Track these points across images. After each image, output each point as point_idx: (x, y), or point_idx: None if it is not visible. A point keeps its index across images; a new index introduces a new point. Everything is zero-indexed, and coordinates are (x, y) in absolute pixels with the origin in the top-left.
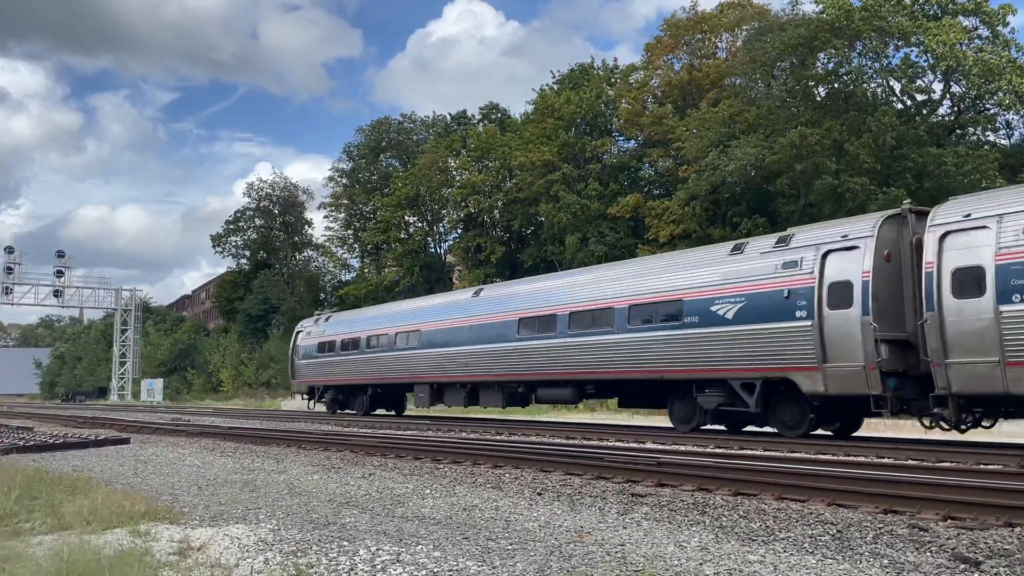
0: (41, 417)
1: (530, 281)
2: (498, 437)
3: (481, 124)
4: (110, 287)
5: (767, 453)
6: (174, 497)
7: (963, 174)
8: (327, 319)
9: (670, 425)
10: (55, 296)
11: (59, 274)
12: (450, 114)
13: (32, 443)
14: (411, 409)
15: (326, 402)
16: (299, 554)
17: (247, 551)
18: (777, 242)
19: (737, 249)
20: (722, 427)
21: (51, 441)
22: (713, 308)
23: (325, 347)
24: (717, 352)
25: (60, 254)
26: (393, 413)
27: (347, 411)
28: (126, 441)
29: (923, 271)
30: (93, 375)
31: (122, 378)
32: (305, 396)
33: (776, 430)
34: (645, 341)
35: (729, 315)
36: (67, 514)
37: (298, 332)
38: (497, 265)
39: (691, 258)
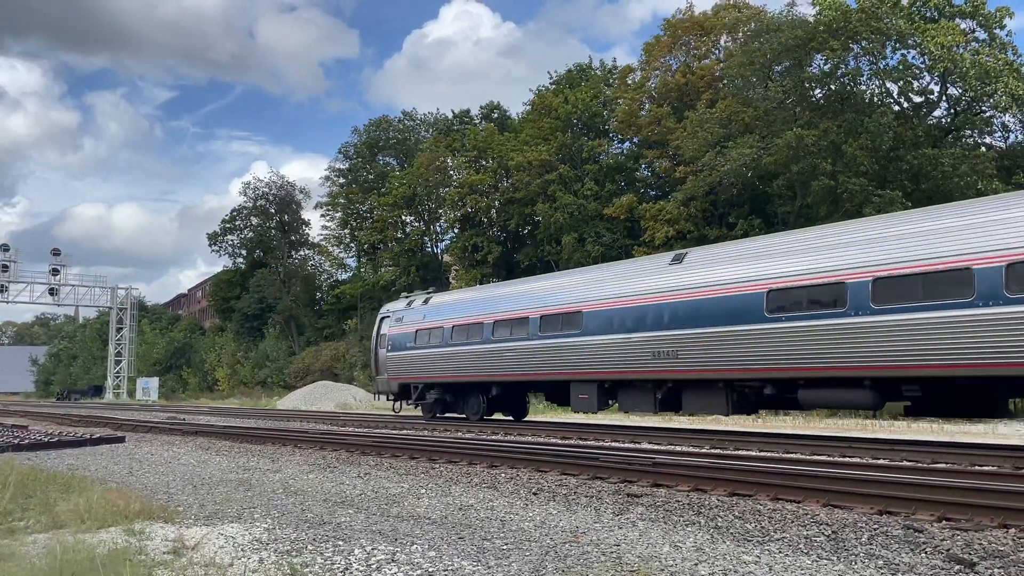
0: (36, 415)
1: (783, 236)
2: (494, 437)
3: (481, 124)
4: (106, 285)
5: (762, 454)
6: (169, 496)
7: (959, 175)
8: (425, 301)
9: (666, 425)
10: (50, 294)
11: (55, 272)
12: (453, 111)
13: (27, 441)
14: (534, 413)
15: (425, 404)
16: (294, 553)
17: (242, 550)
18: None
19: None
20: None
21: (46, 440)
22: None
23: (426, 336)
24: None
25: (56, 252)
26: (511, 418)
27: (451, 415)
28: (121, 440)
29: None
30: (88, 374)
31: (117, 377)
32: (392, 396)
33: None
34: None
35: None
36: (62, 513)
37: (383, 318)
38: (494, 265)
39: None
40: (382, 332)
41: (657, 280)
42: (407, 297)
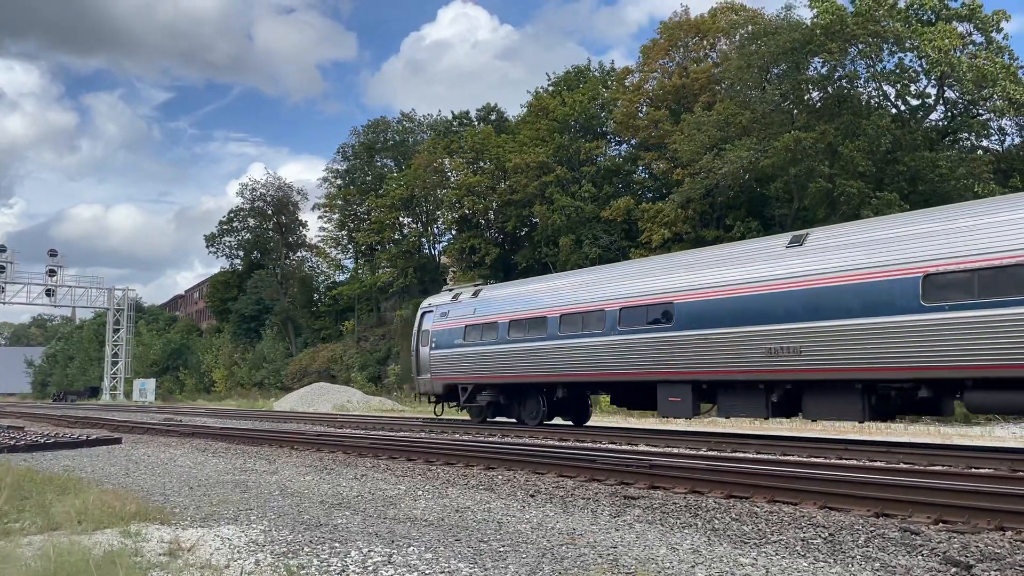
0: (32, 416)
1: (938, 212)
2: (491, 439)
3: (479, 126)
4: (102, 286)
5: (759, 456)
6: (165, 497)
7: (956, 178)
8: (475, 294)
9: (662, 427)
10: (47, 295)
11: (51, 273)
12: (453, 112)
13: (23, 443)
14: (600, 418)
15: (475, 406)
16: (290, 555)
17: (238, 552)
18: None
19: None
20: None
21: (42, 441)
22: None
23: (478, 332)
24: None
25: (52, 253)
26: (571, 423)
27: (502, 418)
28: (118, 441)
29: None
30: (85, 375)
31: (114, 378)
32: (434, 399)
33: None
34: None
35: None
36: (57, 514)
37: (424, 313)
38: (491, 267)
39: None
40: (423, 328)
41: (771, 266)
42: (451, 290)
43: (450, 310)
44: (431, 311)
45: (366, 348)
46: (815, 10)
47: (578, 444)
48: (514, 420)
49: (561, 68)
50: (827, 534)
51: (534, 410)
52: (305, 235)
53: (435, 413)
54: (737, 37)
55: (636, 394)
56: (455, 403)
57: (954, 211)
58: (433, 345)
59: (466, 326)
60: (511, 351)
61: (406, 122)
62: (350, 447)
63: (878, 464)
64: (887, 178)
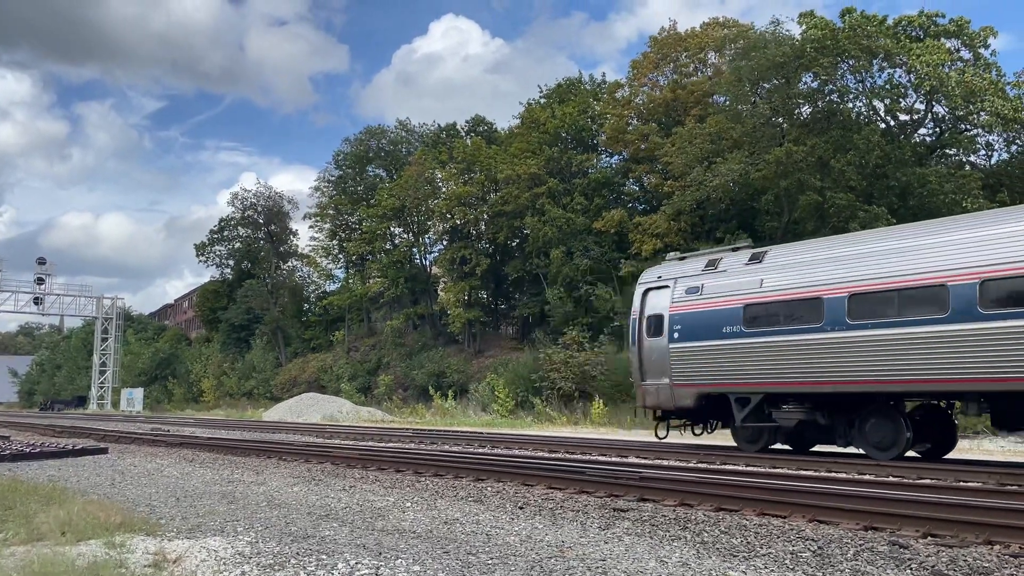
0: (18, 426)
1: None
2: (481, 450)
3: (468, 138)
4: (91, 295)
5: (749, 468)
6: (151, 508)
7: (944, 193)
8: (755, 257)
9: (653, 440)
10: (35, 303)
11: (40, 281)
12: (439, 124)
13: (8, 452)
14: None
15: (757, 427)
16: (277, 567)
17: (224, 564)
18: None
19: None
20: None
21: (27, 450)
22: None
23: (774, 312)
24: None
25: (41, 261)
26: (920, 455)
27: (781, 445)
28: (104, 451)
29: None
30: (72, 384)
31: (102, 387)
32: (661, 413)
33: None
34: None
35: None
36: (41, 525)
37: (649, 290)
38: (482, 277)
39: None
40: (651, 312)
41: None
42: (682, 258)
43: (704, 283)
44: (665, 287)
45: (356, 358)
46: (803, 26)
47: (567, 456)
48: (793, 447)
49: (552, 81)
50: (816, 547)
51: (887, 435)
52: (296, 244)
53: (657, 435)
54: (729, 48)
55: None
56: (690, 420)
57: None
58: (675, 336)
59: (746, 305)
60: (858, 341)
61: (402, 131)
62: (339, 458)
63: (867, 477)
64: (877, 192)
